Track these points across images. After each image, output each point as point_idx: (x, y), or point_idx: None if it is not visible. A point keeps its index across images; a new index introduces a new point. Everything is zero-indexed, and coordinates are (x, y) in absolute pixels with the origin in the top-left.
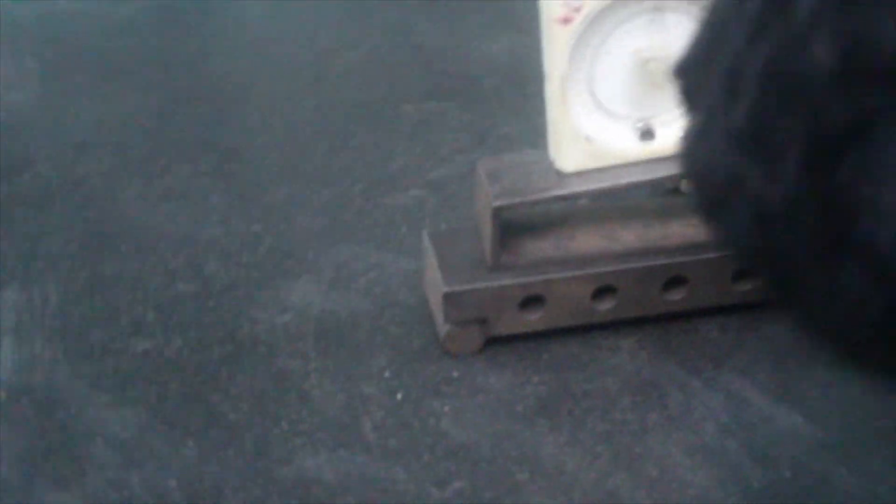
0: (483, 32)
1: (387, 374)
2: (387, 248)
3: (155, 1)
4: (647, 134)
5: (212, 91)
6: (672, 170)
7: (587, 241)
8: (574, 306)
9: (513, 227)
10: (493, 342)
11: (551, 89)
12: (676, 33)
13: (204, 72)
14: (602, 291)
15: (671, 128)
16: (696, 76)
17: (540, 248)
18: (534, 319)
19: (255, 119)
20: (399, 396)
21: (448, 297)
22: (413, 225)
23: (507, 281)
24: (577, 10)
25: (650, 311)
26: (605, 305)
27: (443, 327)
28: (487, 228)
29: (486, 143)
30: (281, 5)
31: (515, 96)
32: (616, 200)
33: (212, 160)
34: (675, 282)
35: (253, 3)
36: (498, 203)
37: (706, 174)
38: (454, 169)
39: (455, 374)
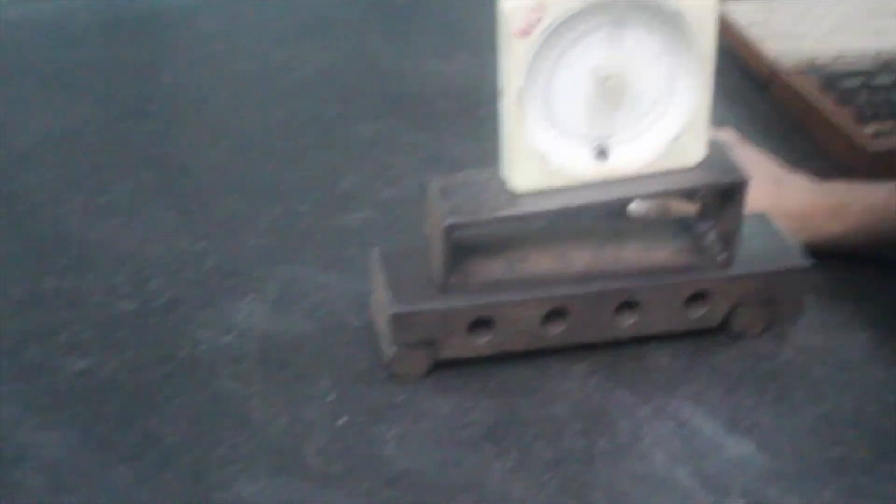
0: (438, 53)
1: (330, 397)
2: (334, 269)
3: (106, 13)
4: (602, 153)
5: (161, 106)
6: (627, 192)
7: (539, 262)
8: (524, 330)
9: (463, 248)
10: (440, 366)
11: (507, 104)
12: (636, 50)
13: (154, 86)
14: (553, 315)
15: (627, 148)
16: None
17: (491, 269)
18: (483, 343)
19: (204, 135)
20: (342, 421)
21: (394, 319)
22: (361, 245)
23: (455, 303)
24: (536, 22)
25: (601, 335)
26: (556, 329)
27: (389, 350)
28: (437, 248)
29: (438, 164)
30: (235, 21)
31: (468, 119)
32: (570, 222)
33: (158, 175)
34: (626, 306)
35: (206, 18)
36: (448, 222)
37: None
38: (405, 190)
39: (400, 398)
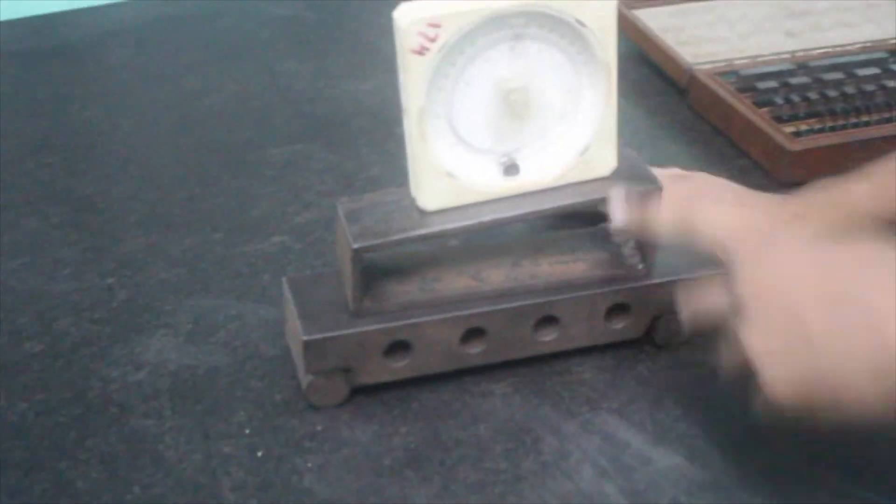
0: (351, 73)
1: (247, 430)
2: (248, 298)
3: (12, 46)
4: (511, 168)
5: (68, 138)
6: (538, 206)
7: (454, 282)
8: (442, 351)
9: (375, 270)
10: (358, 392)
11: (409, 124)
12: (538, 62)
13: (61, 118)
14: (471, 334)
15: (536, 161)
16: None
17: (405, 291)
18: (400, 366)
19: (113, 166)
20: (260, 454)
21: (308, 347)
22: (276, 272)
23: (370, 327)
24: (433, 39)
25: (522, 352)
26: (475, 349)
27: (305, 379)
28: (348, 272)
29: (353, 185)
30: (144, 49)
31: (383, 137)
32: (483, 239)
33: (64, 211)
34: (546, 322)
35: (115, 47)
36: (357, 245)
37: None
38: (320, 213)
39: (319, 427)
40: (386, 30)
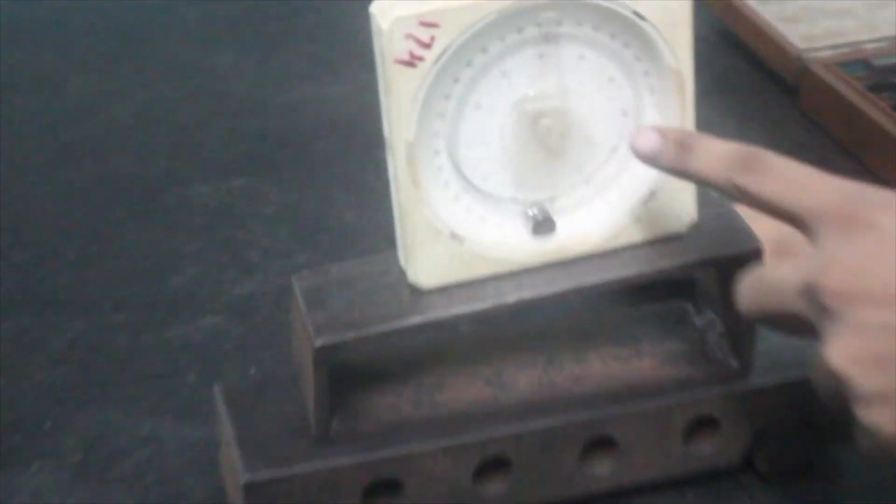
0: (312, 73)
1: None
2: (165, 411)
3: None
4: (543, 224)
5: None
6: (582, 280)
7: (463, 390)
8: (447, 491)
9: (349, 376)
10: None
11: (396, 165)
12: (578, 74)
13: None
14: (489, 467)
15: (578, 215)
16: None
17: (392, 405)
18: None
19: None
20: None
21: (250, 489)
22: (205, 372)
23: (342, 459)
24: (428, 45)
25: (563, 491)
26: (495, 487)
27: None
28: (309, 378)
29: (316, 238)
30: (15, 40)
31: (360, 165)
32: (505, 326)
33: None
34: (598, 446)
35: None
36: (322, 341)
37: None
38: (268, 281)
39: None
40: (360, 10)
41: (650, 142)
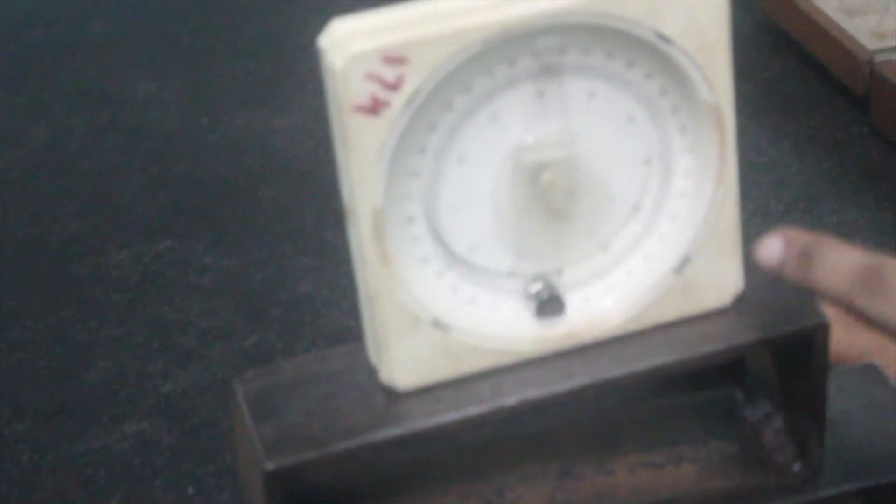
0: (255, 100)
1: None
2: None
3: None
4: (549, 304)
5: None
6: (600, 373)
7: None
8: None
9: (311, 500)
10: None
11: (360, 235)
12: (589, 115)
13: None
14: None
15: (592, 291)
16: None
17: None
18: None
19: None
20: None
21: None
22: (133, 495)
23: None
24: (395, 86)
25: None
26: None
27: None
28: None
29: (265, 314)
30: None
31: (316, 218)
32: (506, 430)
33: None
34: None
35: None
36: (275, 464)
37: None
38: (208, 372)
39: None
40: (317, 16)
41: (775, 252)
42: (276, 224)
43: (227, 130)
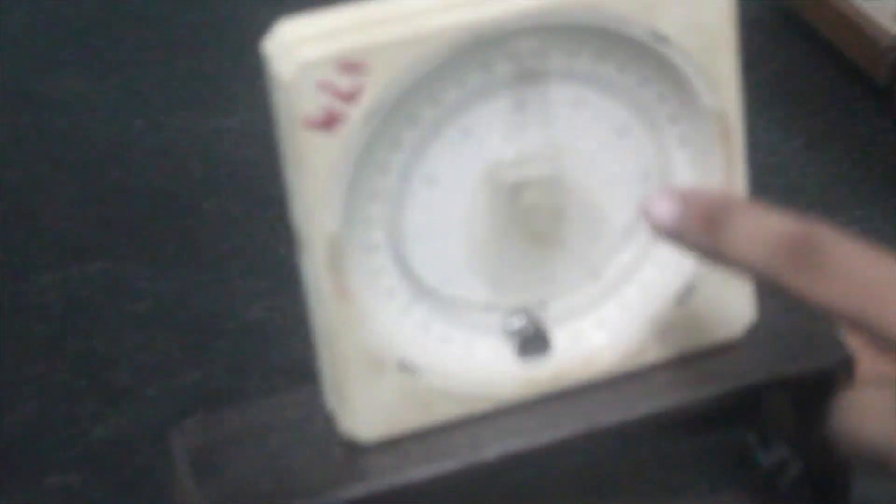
0: (196, 100)
1: None
2: None
3: None
4: (533, 341)
5: None
6: (591, 421)
7: None
8: None
9: None
10: None
11: (313, 266)
12: (575, 126)
13: None
14: None
15: (581, 325)
16: None
17: None
18: None
19: None
20: None
21: None
22: None
23: None
24: (352, 97)
25: None
26: None
27: None
28: None
29: (210, 346)
30: None
31: (267, 233)
32: (488, 483)
33: None
34: None
35: None
36: None
37: None
38: (144, 414)
39: None
40: (265, 9)
41: (667, 211)
42: (221, 241)
43: (164, 134)
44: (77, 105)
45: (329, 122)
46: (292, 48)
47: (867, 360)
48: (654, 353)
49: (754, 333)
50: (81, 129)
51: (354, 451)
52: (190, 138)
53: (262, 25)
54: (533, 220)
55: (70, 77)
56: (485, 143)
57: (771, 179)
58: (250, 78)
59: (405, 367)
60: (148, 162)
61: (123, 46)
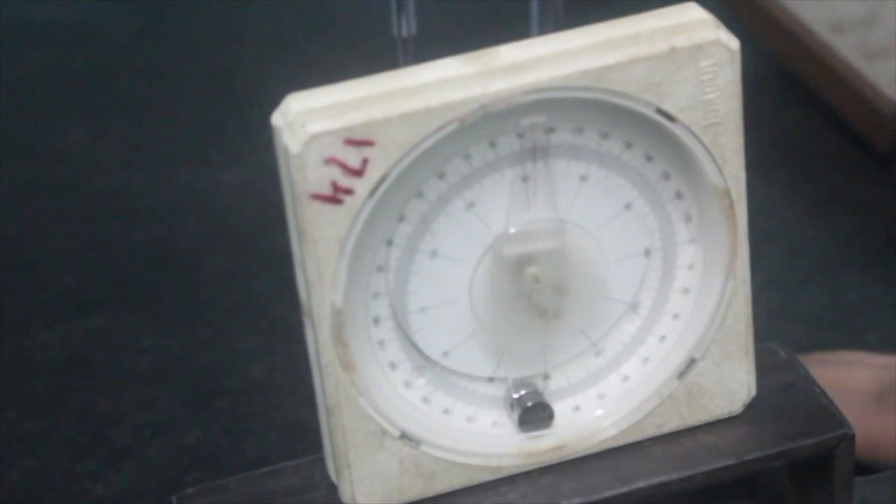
0: (200, 154)
1: None
2: None
3: None
4: (534, 413)
5: None
6: (597, 490)
7: None
8: None
9: None
10: None
11: (317, 338)
12: (577, 201)
13: None
14: None
15: (583, 398)
16: None
17: None
18: None
19: None
20: None
21: None
22: None
23: None
24: (359, 172)
25: None
26: None
27: None
28: None
29: (211, 406)
30: None
31: (269, 292)
32: None
33: None
34: None
35: None
36: None
37: None
38: (145, 475)
39: None
40: (270, 55)
41: None
42: (222, 298)
43: (167, 188)
44: (79, 158)
45: (335, 195)
46: (299, 122)
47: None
48: (654, 427)
49: (753, 409)
50: (83, 181)
51: None
52: (192, 193)
53: (265, 82)
54: (536, 294)
55: (73, 129)
56: (489, 217)
57: (771, 244)
58: (251, 134)
59: (407, 438)
60: (150, 217)
61: (126, 100)
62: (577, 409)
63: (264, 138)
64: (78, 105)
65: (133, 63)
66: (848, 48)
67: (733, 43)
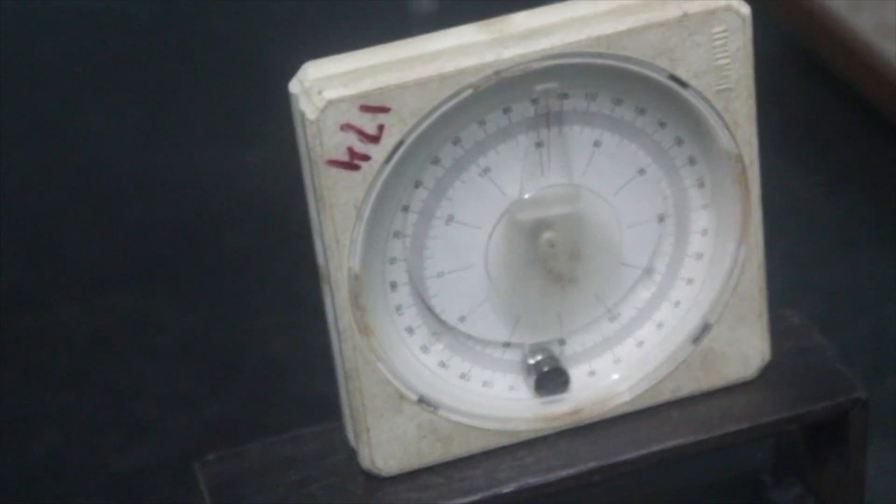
0: (219, 135)
1: None
2: None
3: None
4: (550, 378)
5: None
6: (612, 454)
7: None
8: None
9: None
10: None
11: (336, 304)
12: (591, 167)
13: None
14: None
15: (598, 362)
16: None
17: None
18: None
19: None
20: None
21: None
22: None
23: None
24: (375, 137)
25: None
26: None
27: None
28: None
29: (230, 380)
30: None
31: (289, 267)
32: None
33: None
34: None
35: None
36: None
37: None
38: (166, 447)
39: None
40: (288, 40)
41: None
42: (243, 275)
43: (188, 168)
44: (101, 139)
45: (352, 161)
46: (316, 88)
47: None
48: (669, 392)
49: (768, 373)
50: (105, 163)
51: (374, 484)
52: (213, 173)
53: (285, 61)
54: (551, 259)
55: (94, 112)
56: (504, 183)
57: (787, 220)
58: (274, 113)
59: (424, 403)
60: (171, 196)
61: (150, 82)
62: (592, 373)
63: (284, 120)
64: (100, 87)
65: (154, 45)
66: (863, 24)
67: (744, 9)
